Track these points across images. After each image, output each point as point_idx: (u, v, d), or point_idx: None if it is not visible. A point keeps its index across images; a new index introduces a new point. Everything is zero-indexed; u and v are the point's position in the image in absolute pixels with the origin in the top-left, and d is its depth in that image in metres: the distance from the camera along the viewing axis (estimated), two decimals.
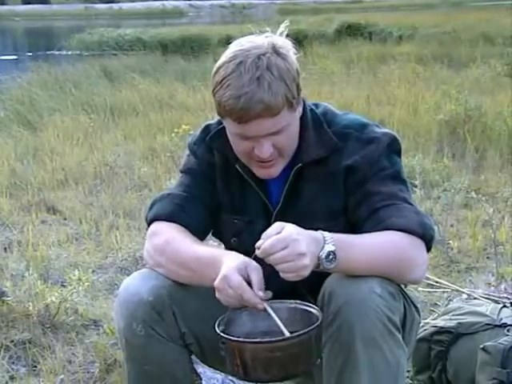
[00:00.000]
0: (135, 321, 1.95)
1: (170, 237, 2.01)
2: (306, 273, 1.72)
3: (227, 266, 1.79)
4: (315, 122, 2.01)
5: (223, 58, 1.88)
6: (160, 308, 1.96)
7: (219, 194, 2.11)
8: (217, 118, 2.12)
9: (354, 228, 1.95)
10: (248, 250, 2.00)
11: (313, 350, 1.76)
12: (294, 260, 1.69)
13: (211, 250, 1.95)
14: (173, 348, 2.00)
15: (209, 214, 2.10)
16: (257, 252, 1.73)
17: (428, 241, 1.90)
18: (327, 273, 1.82)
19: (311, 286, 1.83)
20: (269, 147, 1.90)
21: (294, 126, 1.96)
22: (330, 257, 1.75)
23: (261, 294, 1.77)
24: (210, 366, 2.35)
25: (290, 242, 1.69)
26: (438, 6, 37.12)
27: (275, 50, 1.86)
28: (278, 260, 1.70)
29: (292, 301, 1.89)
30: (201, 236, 2.08)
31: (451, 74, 10.45)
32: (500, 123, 6.51)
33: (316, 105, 2.08)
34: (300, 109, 1.98)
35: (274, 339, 1.73)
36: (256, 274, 1.78)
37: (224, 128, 2.02)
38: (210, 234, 2.21)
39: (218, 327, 1.79)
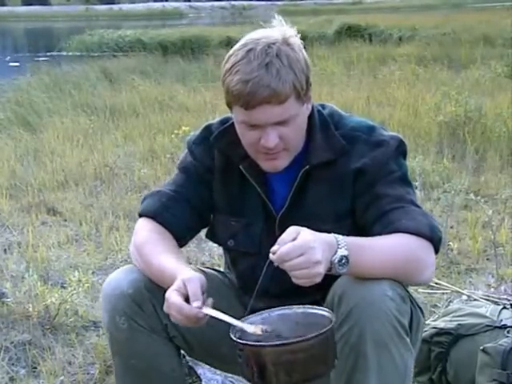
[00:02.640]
0: (118, 314, 1.98)
1: (147, 239, 2.03)
2: (319, 280, 1.72)
3: (168, 290, 1.81)
4: (322, 124, 2.02)
5: (234, 47, 1.91)
6: (140, 300, 1.98)
7: (216, 196, 2.11)
8: (218, 118, 2.13)
9: (362, 230, 1.95)
10: (244, 252, 2.01)
11: (330, 351, 1.74)
12: (308, 267, 1.69)
13: (173, 264, 1.92)
14: (157, 340, 2.02)
15: (196, 215, 2.10)
16: (271, 257, 1.71)
17: (436, 243, 1.90)
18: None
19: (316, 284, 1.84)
20: (275, 137, 1.89)
21: (302, 121, 1.95)
22: (343, 261, 1.75)
23: (196, 304, 1.76)
24: (200, 360, 2.36)
25: (307, 249, 1.68)
26: (438, 8, 37.11)
27: (285, 41, 1.88)
28: (293, 267, 1.69)
29: (300, 306, 1.88)
30: (184, 236, 2.10)
31: (451, 76, 10.44)
32: (500, 124, 6.49)
33: (322, 106, 2.08)
34: (309, 106, 1.98)
35: (295, 340, 1.70)
36: (190, 287, 1.78)
37: (228, 128, 2.03)
38: (206, 237, 2.22)
39: (233, 335, 1.76)
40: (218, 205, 2.12)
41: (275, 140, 1.90)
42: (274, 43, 1.86)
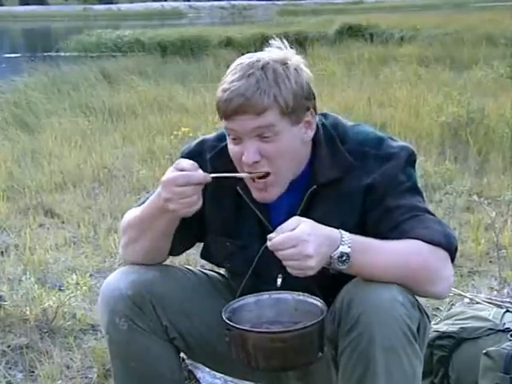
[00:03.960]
0: (117, 315, 1.98)
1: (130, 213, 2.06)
2: (311, 273, 1.73)
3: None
4: (327, 138, 1.96)
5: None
6: (140, 301, 1.98)
7: (208, 216, 2.06)
8: (215, 133, 2.11)
9: None
10: (241, 274, 1.99)
11: (314, 344, 1.78)
12: (299, 260, 1.70)
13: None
14: (157, 341, 2.02)
15: (184, 225, 2.03)
16: (268, 243, 1.75)
17: (452, 252, 1.87)
18: (341, 273, 1.80)
19: (324, 285, 1.85)
20: (254, 152, 1.85)
21: (290, 142, 1.88)
22: (343, 258, 1.75)
23: (200, 171, 1.84)
24: (199, 362, 2.37)
25: (299, 242, 1.70)
26: (441, 7, 37.15)
27: (281, 60, 1.85)
28: (284, 257, 1.72)
29: (300, 293, 1.91)
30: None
31: (453, 76, 10.46)
32: (503, 125, 6.49)
33: (324, 115, 2.02)
34: (308, 132, 1.92)
35: (276, 330, 1.79)
36: (184, 164, 1.84)
37: (225, 148, 1.98)
38: (200, 257, 2.19)
39: (224, 314, 1.83)
40: (211, 225, 2.08)
41: (255, 156, 1.85)
42: (264, 58, 1.85)
